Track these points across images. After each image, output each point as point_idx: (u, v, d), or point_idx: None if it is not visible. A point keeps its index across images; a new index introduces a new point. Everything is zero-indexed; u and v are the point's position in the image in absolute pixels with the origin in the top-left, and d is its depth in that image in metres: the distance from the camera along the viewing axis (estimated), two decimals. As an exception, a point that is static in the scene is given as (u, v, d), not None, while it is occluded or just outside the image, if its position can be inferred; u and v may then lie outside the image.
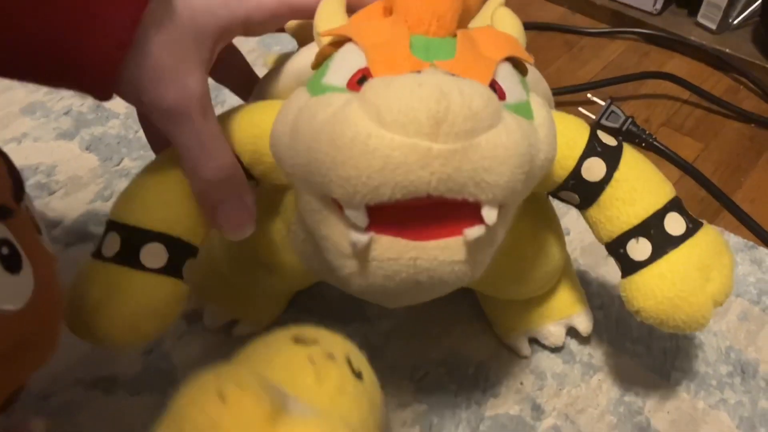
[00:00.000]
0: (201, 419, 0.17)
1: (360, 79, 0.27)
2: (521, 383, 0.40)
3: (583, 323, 0.41)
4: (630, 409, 0.39)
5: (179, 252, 0.30)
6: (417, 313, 0.43)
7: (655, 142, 0.57)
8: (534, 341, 0.42)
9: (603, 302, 0.45)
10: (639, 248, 0.32)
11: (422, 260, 0.26)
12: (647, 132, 0.58)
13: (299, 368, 0.21)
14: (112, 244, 0.29)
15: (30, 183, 0.49)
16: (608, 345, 0.42)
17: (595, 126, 0.33)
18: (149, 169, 0.31)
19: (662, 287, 0.31)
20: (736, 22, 0.70)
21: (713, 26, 0.69)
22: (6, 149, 0.52)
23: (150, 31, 0.26)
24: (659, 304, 0.31)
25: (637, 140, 0.58)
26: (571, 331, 0.42)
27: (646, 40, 0.71)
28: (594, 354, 0.42)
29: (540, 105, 0.29)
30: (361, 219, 0.25)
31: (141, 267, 0.29)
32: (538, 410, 0.39)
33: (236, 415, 0.17)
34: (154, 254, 0.29)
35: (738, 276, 0.47)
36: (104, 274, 0.29)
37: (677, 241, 0.32)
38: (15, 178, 0.24)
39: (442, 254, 0.26)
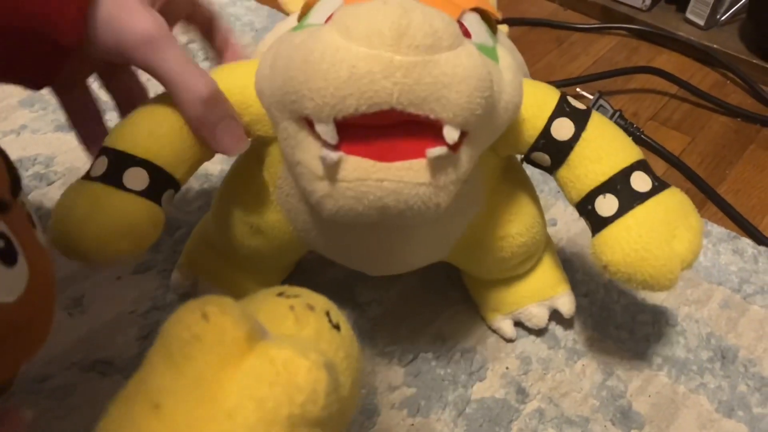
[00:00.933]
0: (185, 334, 0.19)
1: None
2: (507, 368, 0.41)
3: (566, 305, 0.42)
4: (612, 392, 0.41)
5: (160, 180, 0.31)
6: (406, 299, 0.44)
7: (642, 136, 0.58)
8: (520, 326, 0.43)
9: (588, 290, 0.46)
10: (606, 204, 0.33)
11: (388, 182, 0.27)
12: (635, 125, 0.59)
13: (281, 315, 0.22)
14: (100, 165, 0.31)
15: (29, 173, 0.50)
16: (592, 331, 0.43)
17: (564, 93, 0.34)
18: (143, 107, 0.33)
19: (628, 239, 0.32)
20: (723, 18, 0.71)
21: (701, 22, 0.70)
22: (5, 141, 0.54)
23: None
24: (626, 257, 0.32)
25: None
26: (557, 317, 0.43)
27: (636, 35, 0.72)
28: (578, 339, 0.43)
29: (507, 52, 0.31)
30: (331, 134, 0.26)
31: (123, 188, 0.31)
32: (523, 393, 0.40)
33: (217, 332, 0.18)
34: (136, 178, 0.31)
35: (720, 265, 0.49)
36: (89, 191, 0.31)
37: (643, 196, 0.33)
38: (12, 172, 0.24)
39: (407, 175, 0.27)
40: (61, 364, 0.39)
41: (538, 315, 0.42)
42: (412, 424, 0.38)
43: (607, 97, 0.61)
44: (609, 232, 0.33)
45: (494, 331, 0.43)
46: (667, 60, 0.69)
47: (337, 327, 0.23)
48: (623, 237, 0.32)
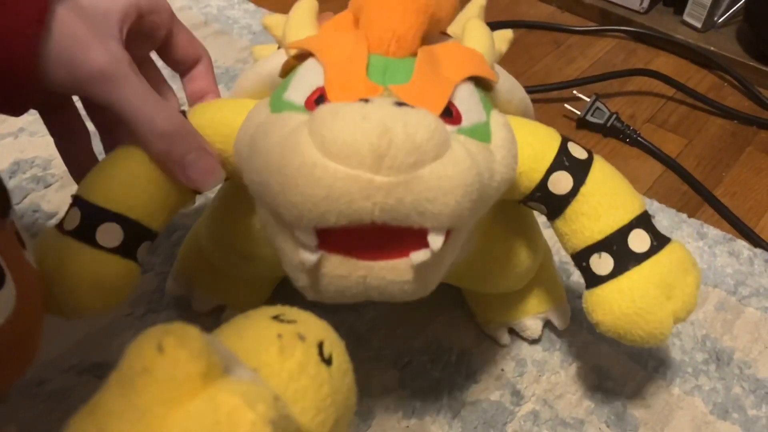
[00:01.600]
0: (136, 364, 0.18)
1: (317, 99, 0.28)
2: (502, 370, 0.42)
3: (559, 318, 0.42)
4: (607, 395, 0.41)
5: (136, 234, 0.31)
6: (402, 304, 0.44)
7: (639, 138, 0.59)
8: (514, 330, 0.43)
9: (584, 292, 0.46)
10: (601, 263, 0.32)
11: (371, 278, 0.27)
12: (631, 128, 0.59)
13: (266, 341, 0.21)
14: (73, 218, 0.30)
15: (26, 176, 0.51)
16: (588, 333, 0.44)
17: (565, 139, 0.33)
18: (118, 151, 0.32)
19: (621, 303, 0.32)
20: (720, 20, 0.71)
21: (698, 25, 0.70)
22: (2, 144, 0.54)
23: (59, 10, 0.28)
24: (617, 320, 0.32)
25: (621, 136, 0.59)
26: (551, 321, 0.43)
27: (633, 38, 0.72)
28: (573, 342, 0.43)
29: (501, 125, 0.30)
30: (310, 240, 0.26)
31: (96, 245, 0.30)
32: (517, 396, 0.40)
33: (169, 366, 0.18)
34: (110, 234, 0.30)
35: (716, 267, 0.49)
36: (60, 246, 0.30)
37: (640, 258, 0.32)
38: (1, 192, 0.24)
39: (390, 274, 0.27)
40: (58, 367, 0.40)
41: (532, 327, 0.42)
42: (407, 427, 0.38)
43: (605, 99, 0.61)
44: (602, 292, 0.32)
45: (489, 336, 0.43)
46: (664, 62, 0.69)
47: (328, 360, 0.22)
48: (615, 300, 0.32)
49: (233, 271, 0.38)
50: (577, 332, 0.44)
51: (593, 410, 0.40)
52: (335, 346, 0.23)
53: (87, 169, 0.32)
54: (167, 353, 0.18)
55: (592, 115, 0.60)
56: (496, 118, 0.30)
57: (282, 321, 0.22)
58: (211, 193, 0.37)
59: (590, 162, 0.33)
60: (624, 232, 0.32)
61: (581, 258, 0.33)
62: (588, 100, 0.60)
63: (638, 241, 0.32)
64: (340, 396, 0.23)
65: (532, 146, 0.32)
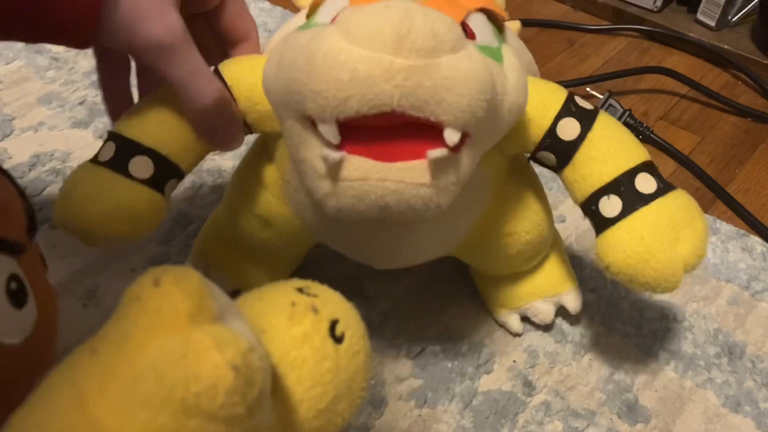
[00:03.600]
0: (132, 293, 0.19)
1: None
2: (514, 361, 0.42)
3: (572, 301, 0.42)
4: (619, 386, 0.41)
5: (165, 170, 0.32)
6: (414, 294, 0.45)
7: (652, 135, 0.59)
8: (526, 321, 0.43)
9: (596, 285, 0.46)
10: (610, 205, 0.33)
11: (389, 182, 0.28)
12: (645, 125, 0.59)
13: (280, 306, 0.22)
14: (108, 151, 0.32)
15: (46, 168, 0.51)
16: (599, 325, 0.44)
17: (572, 93, 0.34)
18: (153, 95, 0.34)
19: (630, 242, 0.32)
20: (734, 19, 0.71)
21: (712, 23, 0.70)
22: (24, 137, 0.55)
23: None
24: (627, 259, 0.32)
25: (634, 132, 0.59)
26: (564, 312, 0.43)
27: (647, 36, 0.73)
28: (585, 334, 0.43)
29: (512, 54, 0.31)
30: (333, 134, 0.27)
31: (128, 175, 0.32)
32: (529, 386, 0.41)
33: (161, 299, 0.18)
34: (141, 166, 0.32)
35: (729, 262, 0.49)
36: (95, 175, 0.32)
37: (648, 198, 0.33)
38: (29, 215, 0.25)
39: (408, 176, 0.27)
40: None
41: (544, 311, 0.42)
42: (419, 415, 0.39)
43: (618, 97, 0.62)
44: (611, 234, 0.33)
45: (501, 325, 0.43)
46: (677, 61, 0.69)
47: (338, 339, 0.22)
48: (625, 239, 0.32)
49: (251, 242, 0.39)
50: (589, 324, 0.44)
51: (605, 401, 0.40)
52: (351, 328, 0.23)
53: (122, 102, 0.35)
54: (161, 287, 0.19)
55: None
56: (507, 48, 0.32)
57: (302, 293, 0.23)
58: (228, 182, 0.38)
59: (596, 112, 0.34)
60: (631, 174, 0.33)
61: (590, 202, 0.34)
62: (601, 97, 0.61)
63: (645, 183, 0.33)
64: (344, 375, 0.23)
65: (540, 94, 0.33)
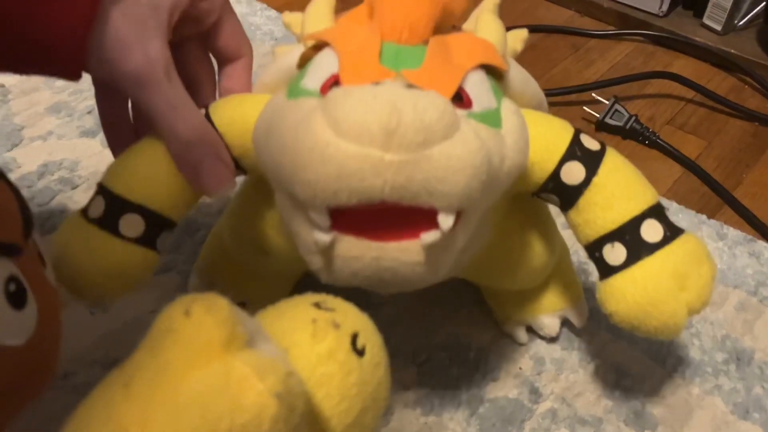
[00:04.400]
0: (164, 325, 0.19)
1: (332, 85, 0.29)
2: (520, 368, 0.42)
3: (577, 317, 0.42)
4: (626, 393, 0.41)
5: (156, 225, 0.32)
6: (419, 300, 0.45)
7: (658, 140, 0.59)
8: (532, 329, 0.43)
9: (602, 292, 0.46)
10: (614, 253, 0.32)
11: (384, 260, 0.27)
12: (651, 130, 0.59)
13: (301, 324, 0.22)
14: (97, 207, 0.32)
15: (54, 177, 0.52)
16: (606, 332, 0.44)
17: (578, 131, 0.33)
18: (142, 143, 0.33)
19: (633, 292, 0.32)
20: (741, 23, 0.71)
21: (718, 27, 0.70)
22: (33, 146, 0.55)
23: (109, 6, 0.29)
24: (630, 309, 0.32)
25: (640, 138, 0.59)
26: (570, 321, 0.43)
27: (652, 41, 0.72)
28: (592, 341, 0.43)
29: (512, 112, 0.30)
30: (323, 220, 0.26)
31: (118, 234, 0.31)
32: (536, 394, 0.40)
33: (194, 329, 0.19)
34: (132, 224, 0.31)
35: (737, 268, 0.48)
36: (85, 233, 0.32)
37: (653, 247, 0.32)
38: (25, 214, 0.25)
39: (402, 255, 0.27)
40: (83, 361, 0.40)
41: (549, 325, 0.42)
42: (426, 423, 0.39)
43: (624, 102, 0.62)
44: (615, 282, 0.32)
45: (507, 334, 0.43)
46: (684, 65, 0.69)
47: (360, 351, 0.23)
48: (628, 289, 0.32)
49: (253, 266, 0.39)
50: (596, 331, 0.44)
51: (612, 409, 0.40)
52: (371, 340, 0.24)
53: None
54: (193, 317, 0.19)
55: (611, 118, 0.60)
56: (507, 105, 0.30)
57: (321, 308, 0.23)
58: (233, 192, 0.38)
59: (603, 153, 0.33)
60: (637, 221, 0.32)
61: (594, 248, 0.33)
62: (607, 102, 0.61)
63: (651, 230, 0.32)
64: (369, 387, 0.23)
65: (544, 137, 0.32)
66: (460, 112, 0.28)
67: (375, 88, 0.26)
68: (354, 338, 0.23)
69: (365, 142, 0.24)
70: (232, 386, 0.18)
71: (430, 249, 0.27)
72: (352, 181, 0.25)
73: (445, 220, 0.26)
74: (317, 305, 0.23)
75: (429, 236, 0.27)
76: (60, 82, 0.61)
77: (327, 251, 0.28)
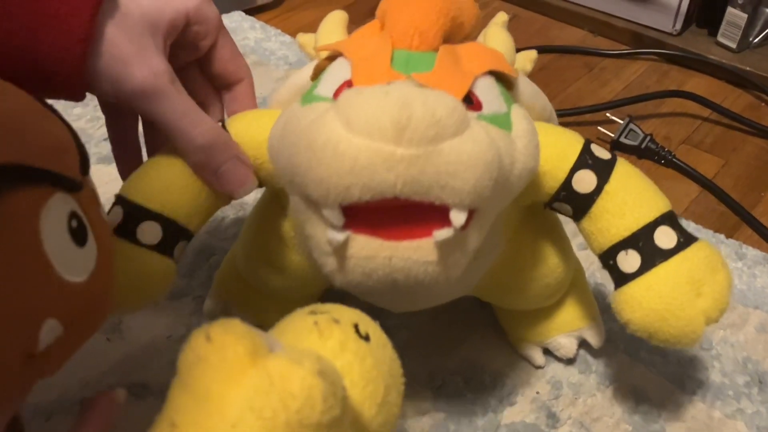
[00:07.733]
0: (191, 357, 0.20)
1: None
2: (537, 392, 0.41)
3: (594, 336, 0.41)
4: (645, 418, 0.40)
5: (174, 233, 0.32)
6: (434, 323, 0.45)
7: (674, 159, 0.58)
8: (548, 351, 0.43)
9: (619, 314, 0.45)
10: (628, 260, 0.32)
11: (396, 259, 0.27)
12: (666, 149, 0.59)
13: (306, 331, 0.23)
14: (115, 216, 0.32)
15: (71, 204, 0.52)
16: (624, 354, 0.43)
17: (588, 141, 0.33)
18: (159, 156, 0.34)
19: (649, 299, 0.31)
20: (756, 40, 0.70)
21: (733, 45, 0.70)
22: (49, 172, 0.55)
23: (106, 25, 0.29)
24: (646, 316, 0.32)
25: (656, 157, 0.59)
26: (587, 342, 0.43)
27: (666, 60, 0.72)
28: (610, 364, 0.43)
29: (522, 117, 0.30)
30: (337, 218, 0.27)
31: (137, 242, 0.32)
32: (553, 418, 0.40)
33: (219, 351, 0.19)
34: (150, 232, 0.32)
35: (756, 288, 0.48)
36: None
37: (667, 254, 0.32)
38: (81, 151, 0.25)
39: (415, 254, 0.27)
40: (98, 386, 0.40)
41: (566, 346, 0.42)
42: (442, 448, 0.38)
43: (639, 121, 0.61)
44: (630, 290, 0.32)
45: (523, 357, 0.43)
46: (698, 83, 0.69)
47: (366, 337, 0.23)
48: (644, 296, 0.32)
49: (267, 287, 0.39)
50: (614, 354, 0.43)
51: (631, 433, 0.39)
52: (370, 326, 0.24)
53: (131, 156, 0.36)
54: (215, 340, 0.19)
55: (626, 137, 0.60)
56: (517, 111, 0.31)
57: (317, 312, 0.24)
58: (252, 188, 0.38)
59: (614, 162, 0.33)
60: (650, 228, 0.32)
61: (608, 256, 0.33)
62: (621, 122, 0.60)
63: (665, 237, 0.32)
64: (385, 366, 0.24)
65: (555, 145, 0.32)
66: (471, 114, 0.28)
67: (386, 87, 0.26)
68: (356, 327, 0.24)
69: (377, 137, 0.25)
70: (275, 382, 0.19)
71: (443, 247, 0.27)
72: (364, 176, 0.25)
73: (458, 217, 0.26)
74: (313, 312, 0.24)
75: (442, 233, 0.27)
76: (77, 110, 0.62)
77: (340, 251, 0.28)
